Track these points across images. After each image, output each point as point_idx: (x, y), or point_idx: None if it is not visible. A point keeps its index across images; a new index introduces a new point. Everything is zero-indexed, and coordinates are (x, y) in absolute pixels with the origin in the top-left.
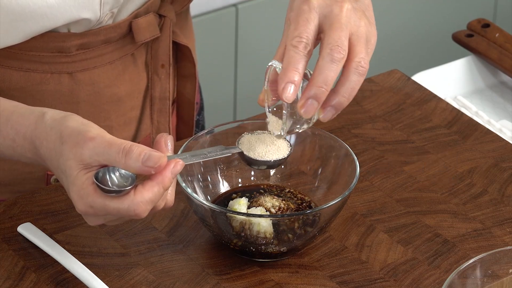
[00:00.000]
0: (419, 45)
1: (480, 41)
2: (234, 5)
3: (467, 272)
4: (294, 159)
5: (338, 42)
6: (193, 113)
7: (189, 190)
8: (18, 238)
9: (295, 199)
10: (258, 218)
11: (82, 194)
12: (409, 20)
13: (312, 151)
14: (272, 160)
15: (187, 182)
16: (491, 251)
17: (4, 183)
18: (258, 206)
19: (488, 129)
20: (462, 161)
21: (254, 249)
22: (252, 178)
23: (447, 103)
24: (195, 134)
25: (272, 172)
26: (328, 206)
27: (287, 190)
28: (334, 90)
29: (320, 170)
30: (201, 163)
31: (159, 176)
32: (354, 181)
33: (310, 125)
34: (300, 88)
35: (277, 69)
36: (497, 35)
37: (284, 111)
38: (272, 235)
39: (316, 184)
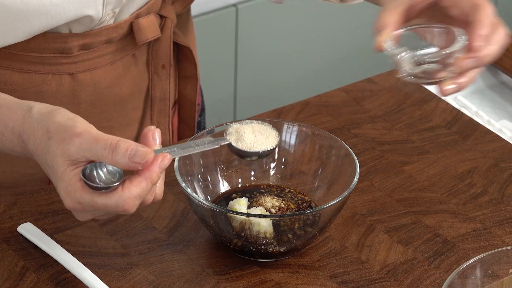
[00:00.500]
0: None
1: None
2: (234, 5)
3: (467, 272)
4: (294, 159)
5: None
6: (195, 114)
7: (189, 190)
8: (18, 238)
9: (295, 199)
10: (258, 218)
11: (70, 190)
12: None
13: (312, 151)
14: (260, 151)
15: (187, 182)
16: (491, 251)
17: (5, 185)
18: (258, 206)
19: (488, 129)
20: (462, 161)
21: (254, 249)
22: (252, 178)
23: (447, 103)
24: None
25: (272, 172)
26: (328, 206)
27: (287, 190)
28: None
29: (320, 170)
30: (201, 162)
31: (147, 171)
32: (354, 181)
33: (437, 81)
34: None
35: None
36: None
37: (431, 55)
38: (272, 235)
39: (316, 184)
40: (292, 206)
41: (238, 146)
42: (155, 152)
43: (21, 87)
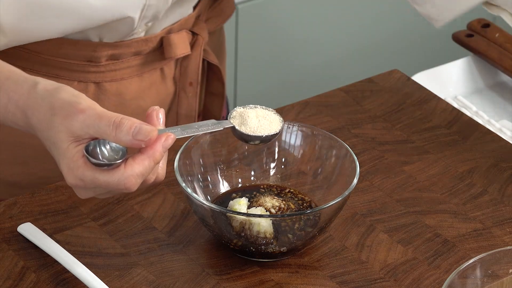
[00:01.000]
0: (419, 45)
1: (480, 41)
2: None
3: (467, 272)
4: (294, 159)
5: None
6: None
7: (189, 190)
8: (18, 238)
9: (296, 199)
10: (258, 218)
11: (72, 166)
12: (409, 20)
13: (312, 151)
14: (264, 135)
15: (187, 182)
16: (491, 251)
17: (21, 185)
18: (258, 206)
19: (488, 129)
20: (462, 161)
21: (254, 249)
22: (252, 178)
23: (447, 103)
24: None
25: (272, 172)
26: (328, 206)
27: (287, 190)
28: None
29: (320, 170)
30: (201, 162)
31: (150, 149)
32: (354, 181)
33: None
34: None
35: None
36: (497, 35)
37: None
38: (272, 235)
39: (316, 184)
40: (292, 206)
41: (241, 130)
42: (159, 131)
43: None
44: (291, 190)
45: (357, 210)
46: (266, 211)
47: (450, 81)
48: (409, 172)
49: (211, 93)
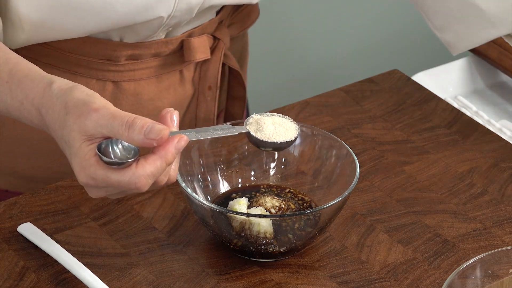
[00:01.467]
0: (419, 45)
1: None
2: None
3: (467, 272)
4: (294, 159)
5: None
6: (243, 111)
7: (189, 190)
8: (18, 238)
9: (296, 199)
10: (258, 218)
11: (84, 165)
12: (409, 20)
13: (312, 151)
14: (279, 142)
15: (187, 182)
16: (491, 251)
17: (36, 179)
18: (258, 206)
19: (488, 129)
20: (462, 161)
21: (254, 249)
22: (252, 178)
23: (447, 103)
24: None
25: (272, 172)
26: (328, 206)
27: (287, 190)
28: None
29: (320, 170)
30: (201, 162)
31: (162, 150)
32: (354, 181)
33: None
34: None
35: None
36: None
37: None
38: (272, 235)
39: (316, 184)
40: (292, 206)
41: (257, 136)
42: (172, 133)
43: None
44: (291, 190)
45: (357, 210)
46: (266, 211)
47: (450, 81)
48: (409, 172)
49: (233, 97)
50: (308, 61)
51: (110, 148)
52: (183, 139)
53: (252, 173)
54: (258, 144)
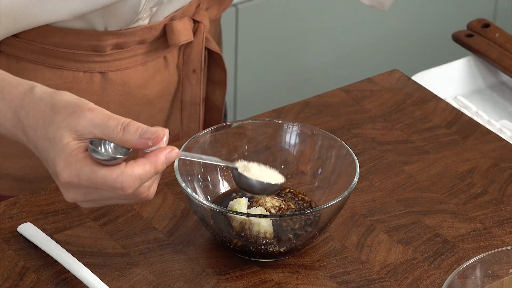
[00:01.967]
0: (419, 45)
1: (480, 41)
2: (234, 5)
3: (467, 272)
4: (294, 159)
5: None
6: (220, 119)
7: (189, 190)
8: (18, 238)
9: (296, 199)
10: (258, 218)
11: (70, 160)
12: (409, 20)
13: (312, 151)
14: (265, 182)
15: (187, 182)
16: (491, 251)
17: (28, 179)
18: (258, 206)
19: (488, 129)
20: (462, 161)
21: (254, 249)
22: None
23: (447, 103)
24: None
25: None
26: (328, 206)
27: (287, 190)
28: None
29: (320, 170)
30: (201, 162)
31: (153, 156)
32: (354, 181)
33: None
34: None
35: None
36: (497, 35)
37: None
38: (272, 235)
39: (316, 184)
40: (292, 206)
41: (244, 174)
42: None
43: (52, 82)
44: (291, 190)
45: (357, 210)
46: (266, 211)
47: (450, 81)
48: (409, 172)
49: (213, 82)
50: (308, 61)
51: (101, 146)
52: (175, 151)
53: None
54: (245, 183)
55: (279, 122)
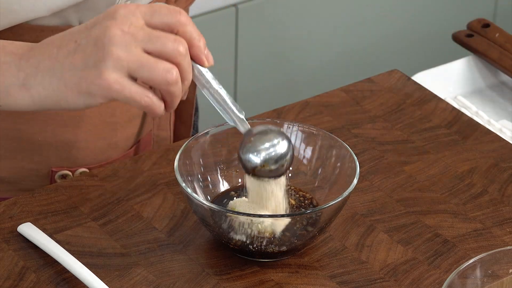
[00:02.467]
0: (419, 45)
1: (480, 41)
2: (234, 5)
3: (467, 272)
4: (294, 159)
5: None
6: (192, 112)
7: (189, 190)
8: (18, 238)
9: (297, 195)
10: (258, 218)
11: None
12: (409, 20)
13: (312, 151)
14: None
15: (187, 182)
16: (491, 251)
17: (8, 180)
18: None
19: (488, 129)
20: (462, 161)
21: (254, 249)
22: None
23: (447, 103)
24: (193, 134)
25: None
26: (328, 206)
27: (288, 187)
28: None
29: (320, 170)
30: (201, 163)
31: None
32: (354, 181)
33: None
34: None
35: None
36: (497, 35)
37: None
38: (272, 235)
39: (316, 184)
40: (293, 202)
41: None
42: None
43: None
44: (292, 187)
45: (357, 210)
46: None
47: (450, 81)
48: (409, 172)
49: None
50: (308, 61)
51: None
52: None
53: None
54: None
55: (279, 122)
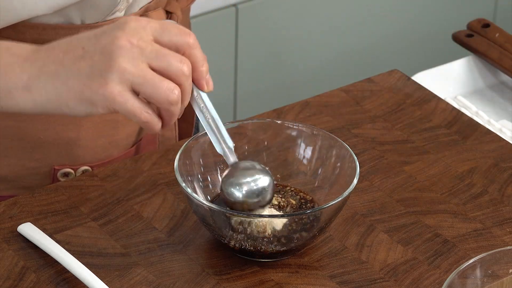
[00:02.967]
0: (419, 45)
1: (480, 41)
2: (234, 5)
3: (467, 272)
4: (294, 159)
5: None
6: (194, 112)
7: (189, 190)
8: (18, 238)
9: (297, 196)
10: (258, 218)
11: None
12: (409, 20)
13: (312, 151)
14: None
15: (187, 182)
16: (491, 251)
17: (9, 179)
18: None
19: (488, 129)
20: (462, 161)
21: (254, 249)
22: None
23: (447, 103)
24: (194, 133)
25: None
26: (328, 206)
27: (287, 188)
28: None
29: (320, 170)
30: (201, 163)
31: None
32: (354, 181)
33: None
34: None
35: None
36: (497, 35)
37: None
38: (271, 235)
39: (316, 184)
40: (293, 202)
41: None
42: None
43: None
44: (292, 188)
45: (357, 210)
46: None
47: (450, 81)
48: (409, 172)
49: None
50: (308, 61)
51: None
52: (210, 83)
53: None
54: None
55: (279, 122)
